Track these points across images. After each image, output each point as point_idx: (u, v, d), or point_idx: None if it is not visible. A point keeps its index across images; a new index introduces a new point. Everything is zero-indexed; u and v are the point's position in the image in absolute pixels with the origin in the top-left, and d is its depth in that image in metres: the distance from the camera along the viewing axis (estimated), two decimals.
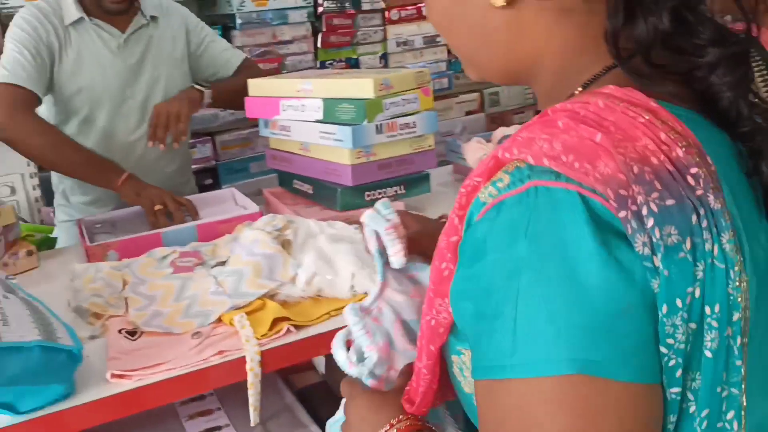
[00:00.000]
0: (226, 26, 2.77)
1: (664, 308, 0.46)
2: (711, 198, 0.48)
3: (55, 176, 2.00)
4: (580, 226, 0.46)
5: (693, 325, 0.48)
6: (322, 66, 2.93)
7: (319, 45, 2.91)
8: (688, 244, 0.47)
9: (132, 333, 1.18)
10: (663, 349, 0.47)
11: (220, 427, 1.40)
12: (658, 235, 0.46)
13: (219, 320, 1.20)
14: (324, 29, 2.91)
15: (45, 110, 1.83)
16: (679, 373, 0.48)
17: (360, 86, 1.58)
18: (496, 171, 0.52)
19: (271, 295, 1.24)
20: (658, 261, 0.46)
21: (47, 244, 1.89)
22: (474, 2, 0.59)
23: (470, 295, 0.52)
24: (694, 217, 0.47)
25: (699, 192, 0.48)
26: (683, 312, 0.47)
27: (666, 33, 0.53)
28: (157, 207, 1.64)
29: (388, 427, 0.70)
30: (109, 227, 1.74)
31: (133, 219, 1.73)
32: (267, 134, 1.82)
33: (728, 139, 0.57)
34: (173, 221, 1.64)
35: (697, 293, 0.47)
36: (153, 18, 1.90)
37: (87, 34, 1.81)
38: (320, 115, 1.64)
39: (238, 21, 2.73)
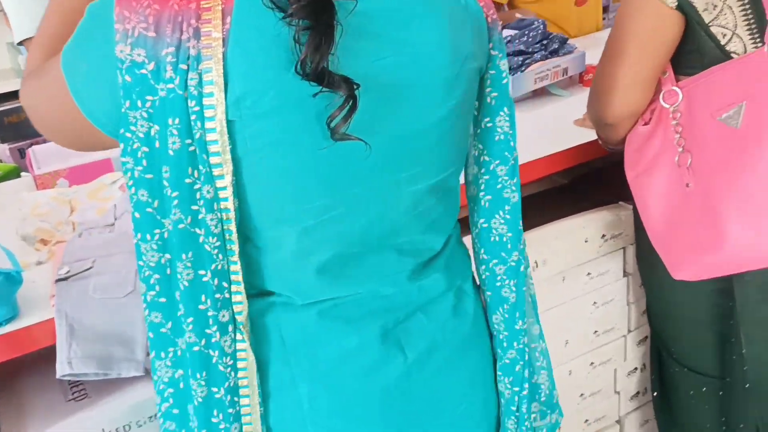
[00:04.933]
0: None
1: (127, 103, 0.65)
2: (191, 45, 0.63)
3: None
4: (108, 19, 0.65)
5: (156, 127, 0.65)
6: None
7: None
8: (151, 66, 0.64)
9: None
10: (127, 134, 0.66)
11: None
12: (128, 51, 0.64)
13: None
14: None
15: None
16: (140, 154, 0.66)
17: None
18: None
19: None
20: (126, 68, 0.64)
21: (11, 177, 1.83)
22: None
23: None
24: (164, 51, 0.63)
25: (184, 38, 0.63)
26: (142, 111, 0.64)
27: None
28: None
29: None
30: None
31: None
32: None
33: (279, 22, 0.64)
34: None
35: (157, 104, 0.64)
36: None
37: None
38: None
39: None
